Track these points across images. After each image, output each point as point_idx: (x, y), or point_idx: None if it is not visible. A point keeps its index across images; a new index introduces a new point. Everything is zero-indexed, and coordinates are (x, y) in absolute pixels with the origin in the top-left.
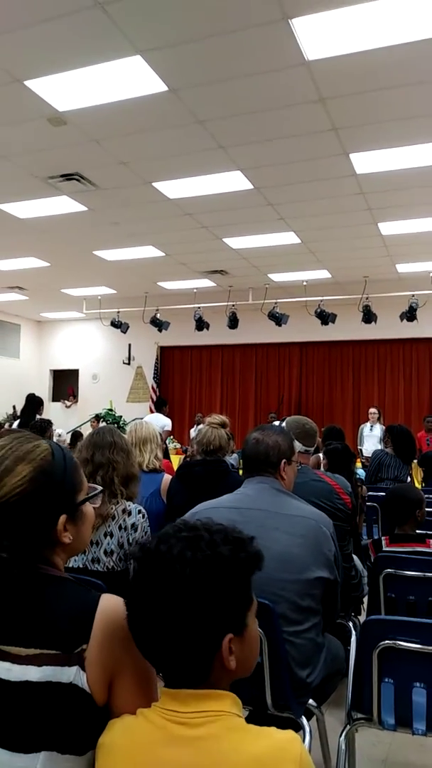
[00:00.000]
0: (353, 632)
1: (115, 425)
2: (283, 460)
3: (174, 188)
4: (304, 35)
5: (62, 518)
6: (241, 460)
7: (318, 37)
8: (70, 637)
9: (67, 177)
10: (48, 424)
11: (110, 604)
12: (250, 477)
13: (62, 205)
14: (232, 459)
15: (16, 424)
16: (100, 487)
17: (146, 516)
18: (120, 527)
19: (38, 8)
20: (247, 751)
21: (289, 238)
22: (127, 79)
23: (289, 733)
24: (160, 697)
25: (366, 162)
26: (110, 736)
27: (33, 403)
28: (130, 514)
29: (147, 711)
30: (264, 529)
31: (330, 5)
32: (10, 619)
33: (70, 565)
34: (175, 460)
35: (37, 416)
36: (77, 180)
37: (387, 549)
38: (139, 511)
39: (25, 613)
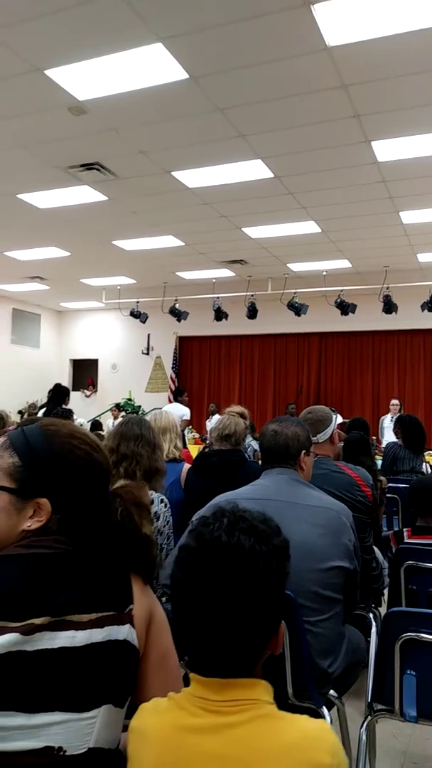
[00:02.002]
0: (373, 624)
1: (134, 414)
2: (303, 452)
3: (193, 177)
4: (326, 21)
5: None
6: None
7: (339, 22)
8: (121, 598)
9: (87, 166)
10: (69, 413)
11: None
12: (268, 468)
13: (82, 194)
14: (255, 444)
15: (41, 412)
16: None
17: (168, 505)
18: None
19: None
20: (278, 740)
21: (309, 227)
22: (148, 67)
23: (321, 723)
24: (191, 685)
25: (388, 150)
26: (141, 720)
27: (60, 393)
28: (152, 503)
29: (178, 697)
30: (284, 519)
31: None
32: (69, 589)
33: None
34: (194, 450)
35: (64, 406)
36: (97, 169)
37: (409, 541)
38: (162, 501)
39: (84, 581)
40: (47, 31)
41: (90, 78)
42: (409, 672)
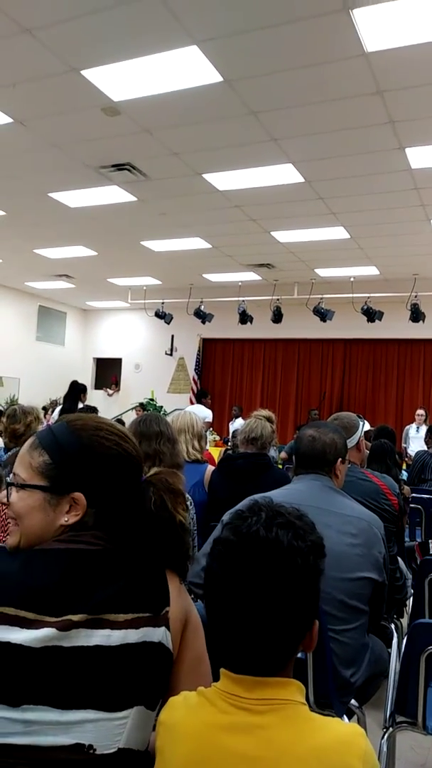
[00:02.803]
0: (395, 634)
1: None
2: (339, 459)
3: (224, 180)
4: (365, 26)
5: None
6: (281, 454)
7: (379, 28)
8: (158, 600)
9: (119, 167)
10: (94, 411)
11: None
12: (302, 473)
13: (112, 194)
14: (273, 452)
15: (58, 410)
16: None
17: (192, 504)
18: None
19: None
20: (310, 743)
21: (338, 233)
22: (183, 69)
23: (355, 727)
24: (221, 680)
25: (422, 157)
26: (171, 714)
27: (76, 389)
28: None
29: (208, 692)
30: (315, 525)
31: None
32: (106, 588)
33: None
34: (215, 452)
35: (81, 404)
36: (128, 170)
37: None
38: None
39: (121, 580)
40: (84, 31)
41: (125, 79)
42: None
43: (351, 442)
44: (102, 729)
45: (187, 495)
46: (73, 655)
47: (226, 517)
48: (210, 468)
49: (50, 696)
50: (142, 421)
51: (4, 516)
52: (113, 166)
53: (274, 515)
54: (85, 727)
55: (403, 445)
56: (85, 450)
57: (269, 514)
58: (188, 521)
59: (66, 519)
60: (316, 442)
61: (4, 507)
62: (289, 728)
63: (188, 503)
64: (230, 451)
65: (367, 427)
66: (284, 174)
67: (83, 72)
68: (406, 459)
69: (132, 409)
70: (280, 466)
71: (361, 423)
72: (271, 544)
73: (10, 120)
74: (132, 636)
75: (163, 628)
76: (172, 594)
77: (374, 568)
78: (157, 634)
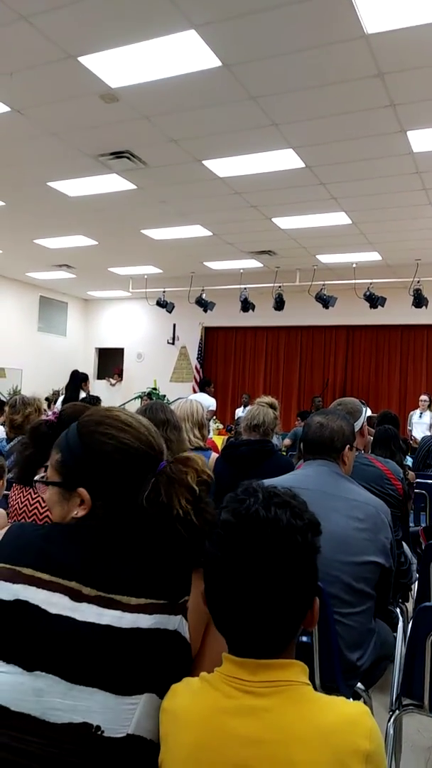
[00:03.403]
0: (400, 618)
1: None
2: (347, 446)
3: (224, 166)
4: (365, 7)
5: None
6: (284, 441)
7: (379, 9)
8: (176, 588)
9: (117, 155)
10: (97, 400)
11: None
12: (310, 459)
13: (111, 183)
14: (276, 439)
15: (60, 399)
16: None
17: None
18: None
19: None
20: (316, 723)
21: (340, 218)
22: (181, 54)
23: (359, 706)
24: (224, 664)
25: (424, 140)
26: (174, 701)
27: (76, 379)
28: None
29: (211, 677)
30: (323, 509)
31: None
32: (119, 569)
33: None
34: (218, 441)
35: (83, 393)
36: (127, 158)
37: None
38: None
39: (135, 564)
40: (81, 17)
41: (123, 65)
42: None
43: (355, 428)
44: (110, 711)
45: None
46: (84, 630)
47: (224, 500)
48: (213, 455)
49: (61, 666)
50: (148, 408)
51: (29, 508)
52: (112, 153)
53: (270, 495)
54: (93, 706)
55: (408, 428)
56: (85, 447)
57: (265, 494)
58: (196, 509)
59: (76, 512)
60: (324, 429)
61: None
62: (295, 709)
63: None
64: (233, 439)
65: (369, 413)
66: (285, 159)
67: (80, 59)
68: (411, 442)
69: (136, 398)
70: (284, 453)
71: (364, 409)
72: (271, 523)
73: (7, 109)
74: (144, 621)
75: (179, 617)
76: (197, 586)
77: (381, 553)
78: (173, 622)
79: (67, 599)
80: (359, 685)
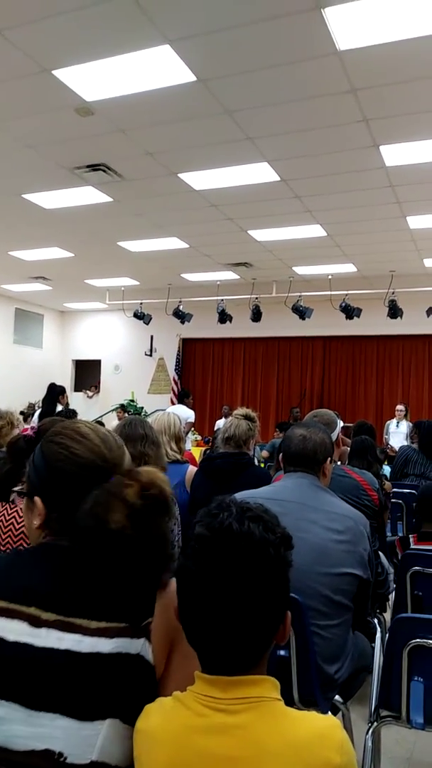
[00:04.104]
0: (378, 629)
1: (136, 416)
2: (328, 458)
3: (200, 179)
4: (337, 25)
5: None
6: (262, 453)
7: (351, 26)
8: (138, 611)
9: (93, 167)
10: (73, 414)
11: (167, 579)
12: (290, 472)
13: (87, 195)
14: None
15: (37, 414)
16: None
17: (177, 504)
18: None
19: None
20: (287, 738)
21: (315, 231)
22: (156, 68)
23: (330, 719)
24: (196, 683)
25: (396, 154)
26: (148, 721)
27: (53, 392)
28: None
29: (183, 696)
30: (301, 521)
31: None
32: (79, 592)
33: None
34: (196, 452)
35: (60, 406)
36: (103, 171)
37: (415, 547)
38: (171, 500)
39: (94, 587)
40: (56, 31)
41: (98, 79)
42: (416, 679)
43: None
44: (73, 737)
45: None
46: (42, 656)
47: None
48: (191, 468)
49: (20, 693)
50: (127, 424)
51: (5, 523)
52: (88, 166)
53: (243, 510)
54: (55, 732)
55: (385, 436)
56: (43, 457)
57: (238, 509)
58: (134, 525)
59: (36, 522)
60: (307, 442)
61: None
62: (267, 725)
63: (174, 503)
64: (210, 451)
65: (341, 424)
66: (260, 173)
67: (55, 72)
68: (388, 451)
69: (113, 410)
70: (262, 465)
71: (339, 421)
72: (245, 537)
73: None
74: (104, 645)
75: (142, 640)
76: (160, 609)
77: (359, 565)
78: (135, 646)
79: (26, 625)
80: (337, 697)
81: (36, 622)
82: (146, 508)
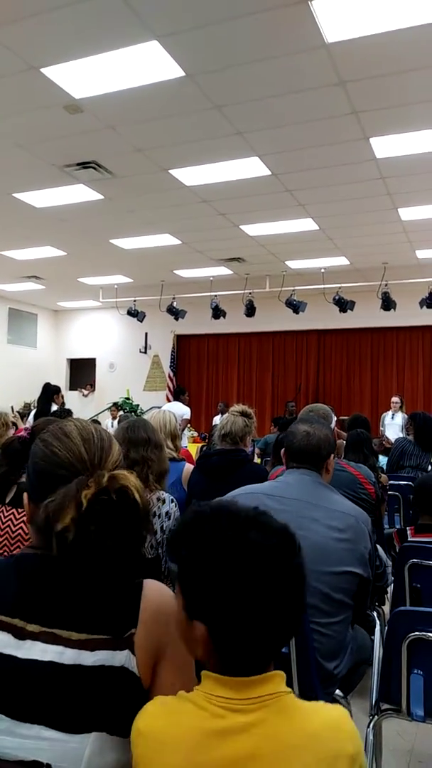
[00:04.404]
0: (377, 622)
1: (132, 413)
2: (332, 454)
3: (191, 175)
4: (324, 17)
5: None
6: (256, 449)
7: (338, 18)
8: (121, 622)
9: (84, 165)
10: (68, 413)
11: (153, 589)
12: (293, 468)
13: (78, 193)
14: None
15: (33, 413)
16: None
17: (177, 505)
18: (154, 514)
19: None
20: (303, 731)
21: (307, 224)
22: (144, 64)
23: (339, 709)
24: (205, 683)
25: (386, 146)
26: (151, 722)
27: (48, 392)
28: (164, 502)
29: (192, 697)
30: (302, 518)
31: None
32: (62, 602)
33: None
34: (192, 448)
35: (55, 405)
36: (93, 168)
37: (412, 539)
38: (172, 500)
39: (76, 598)
40: (43, 29)
41: (86, 76)
42: (416, 671)
43: None
44: (59, 749)
45: (165, 495)
46: (27, 667)
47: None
48: (188, 466)
49: (5, 705)
50: (129, 427)
51: (2, 525)
52: (78, 164)
53: (253, 515)
54: (41, 744)
55: (380, 428)
56: (29, 456)
57: (245, 514)
58: (79, 528)
59: (27, 520)
60: (311, 438)
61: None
62: (283, 720)
63: (174, 503)
64: (207, 448)
65: (335, 419)
66: (251, 167)
67: (43, 70)
68: (385, 442)
69: (107, 409)
70: (259, 461)
71: (333, 415)
72: (261, 548)
73: None
74: (86, 658)
75: (126, 652)
76: (145, 619)
77: (359, 564)
78: (118, 658)
79: (11, 637)
80: (338, 691)
81: (20, 634)
82: (95, 513)
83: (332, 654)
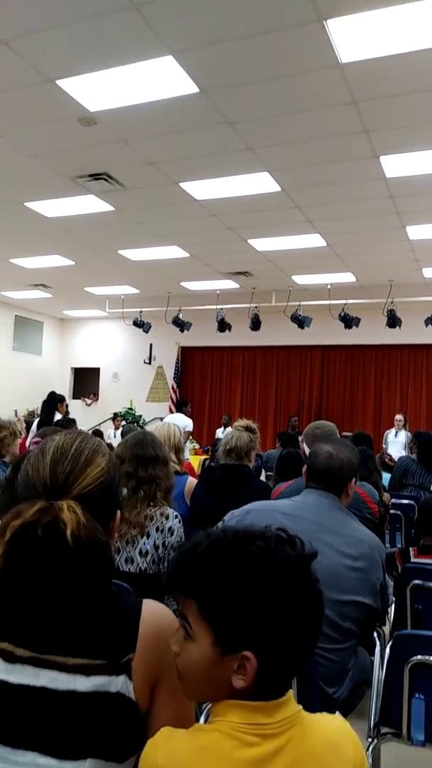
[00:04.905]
0: (377, 642)
1: (134, 424)
2: (353, 478)
3: (201, 189)
4: (339, 37)
5: (118, 513)
6: (271, 464)
7: (352, 39)
8: (117, 646)
9: (95, 176)
10: (72, 422)
11: (153, 611)
12: (312, 488)
13: (89, 204)
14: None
15: (36, 421)
16: (124, 489)
17: (182, 521)
18: (157, 529)
19: (72, 8)
20: (328, 743)
21: (315, 240)
22: (159, 79)
23: (339, 718)
24: (231, 713)
25: (396, 165)
26: (173, 757)
27: (52, 400)
28: (167, 517)
29: (223, 727)
30: (314, 541)
31: (366, 6)
32: (54, 626)
33: None
34: (194, 461)
35: (58, 414)
36: (105, 180)
37: (415, 560)
38: (176, 516)
39: (71, 621)
40: (60, 42)
41: (101, 89)
42: (417, 696)
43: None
44: None
45: (169, 510)
46: (18, 693)
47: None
48: (191, 480)
49: None
50: (137, 444)
51: None
52: (90, 175)
53: (294, 541)
54: None
55: (383, 445)
56: None
57: (279, 540)
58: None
59: None
60: (334, 460)
61: None
62: (308, 737)
63: (178, 519)
64: (212, 463)
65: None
66: (261, 183)
67: (59, 82)
68: (387, 460)
69: (108, 419)
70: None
71: (338, 432)
72: (305, 563)
73: None
74: (81, 684)
75: (122, 677)
76: (143, 643)
77: (370, 594)
78: (115, 684)
79: (0, 661)
80: (337, 713)
81: (10, 658)
82: (19, 548)
83: (334, 679)
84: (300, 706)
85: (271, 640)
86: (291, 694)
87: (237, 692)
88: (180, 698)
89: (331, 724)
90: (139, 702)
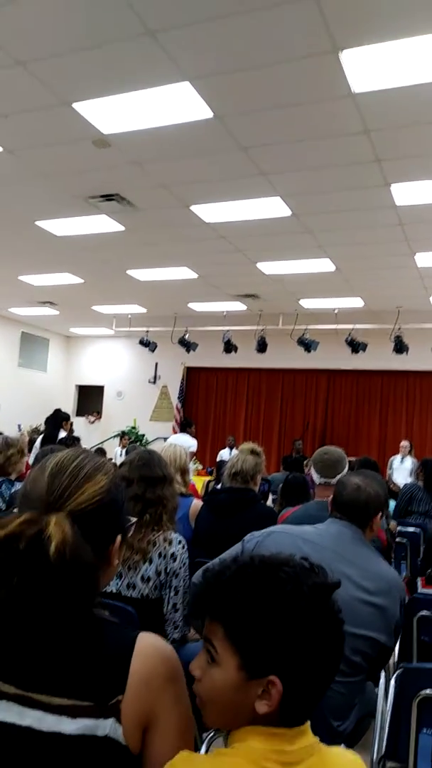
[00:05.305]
0: (382, 674)
1: (137, 443)
2: (380, 513)
3: (212, 212)
4: (352, 68)
5: (119, 537)
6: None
7: (365, 70)
8: (106, 687)
9: (107, 197)
10: (76, 441)
11: (147, 647)
12: (336, 518)
13: (100, 224)
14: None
15: (40, 438)
16: (134, 519)
17: (186, 547)
18: (160, 554)
19: (90, 34)
20: (344, 765)
21: (324, 265)
22: (174, 104)
23: (352, 752)
24: (253, 740)
25: (406, 194)
26: None
27: (57, 417)
28: (170, 543)
29: (246, 752)
30: (333, 573)
31: (381, 38)
32: (40, 663)
33: (105, 590)
34: (198, 481)
35: (63, 432)
36: (116, 201)
37: (422, 591)
38: (180, 542)
39: (57, 658)
40: (77, 65)
41: (116, 113)
42: (425, 731)
43: (330, 481)
44: None
45: (173, 535)
46: (4, 731)
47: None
48: (196, 502)
49: None
50: (145, 464)
51: None
52: (102, 196)
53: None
54: None
55: (388, 471)
56: None
57: (303, 569)
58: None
59: None
60: (361, 493)
61: None
62: (326, 763)
63: (182, 545)
64: (211, 483)
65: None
66: (272, 207)
67: (74, 105)
68: (392, 486)
69: (113, 437)
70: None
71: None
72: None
73: (0, 149)
74: (67, 726)
75: (111, 720)
76: (134, 683)
77: (385, 632)
78: (102, 728)
79: None
80: (342, 745)
81: None
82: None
83: (341, 712)
84: (317, 737)
85: (296, 664)
86: (308, 723)
87: (258, 718)
88: (178, 739)
89: (347, 757)
90: (130, 745)
